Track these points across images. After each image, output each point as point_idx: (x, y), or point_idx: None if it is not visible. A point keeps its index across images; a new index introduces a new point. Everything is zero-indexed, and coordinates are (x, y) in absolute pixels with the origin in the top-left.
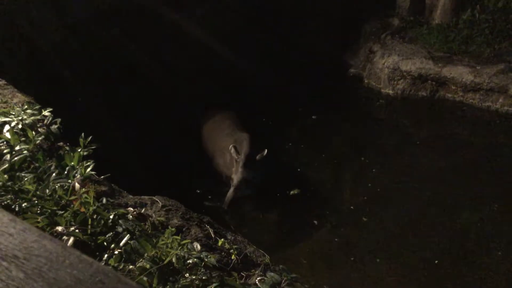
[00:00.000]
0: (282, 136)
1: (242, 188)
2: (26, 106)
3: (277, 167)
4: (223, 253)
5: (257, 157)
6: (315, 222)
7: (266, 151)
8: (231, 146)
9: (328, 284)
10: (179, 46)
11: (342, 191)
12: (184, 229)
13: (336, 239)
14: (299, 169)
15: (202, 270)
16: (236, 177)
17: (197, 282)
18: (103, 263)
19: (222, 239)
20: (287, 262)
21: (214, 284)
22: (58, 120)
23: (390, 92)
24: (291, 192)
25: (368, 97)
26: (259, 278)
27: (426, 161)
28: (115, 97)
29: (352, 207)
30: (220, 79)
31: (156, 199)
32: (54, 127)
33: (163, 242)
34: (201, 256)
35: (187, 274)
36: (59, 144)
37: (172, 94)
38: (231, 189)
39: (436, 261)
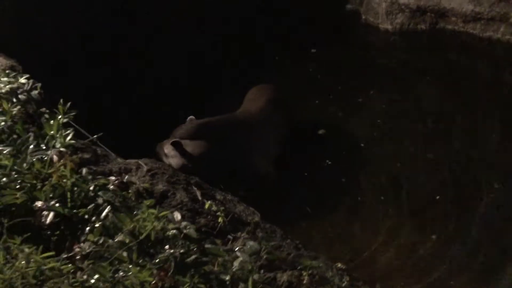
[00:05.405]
0: (283, 73)
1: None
2: (2, 75)
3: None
4: (209, 217)
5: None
6: (329, 162)
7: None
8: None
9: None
10: None
11: (354, 126)
12: (169, 194)
13: (343, 179)
14: (317, 101)
15: (181, 242)
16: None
17: (176, 254)
18: (84, 237)
19: (209, 201)
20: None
21: (194, 256)
22: (38, 85)
23: (389, 27)
24: (319, 132)
25: (367, 33)
26: (239, 247)
27: (431, 95)
28: None
29: (363, 145)
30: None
31: (142, 163)
32: (34, 92)
33: (138, 216)
34: (180, 227)
35: (167, 247)
36: (41, 110)
37: None
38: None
39: (438, 197)
